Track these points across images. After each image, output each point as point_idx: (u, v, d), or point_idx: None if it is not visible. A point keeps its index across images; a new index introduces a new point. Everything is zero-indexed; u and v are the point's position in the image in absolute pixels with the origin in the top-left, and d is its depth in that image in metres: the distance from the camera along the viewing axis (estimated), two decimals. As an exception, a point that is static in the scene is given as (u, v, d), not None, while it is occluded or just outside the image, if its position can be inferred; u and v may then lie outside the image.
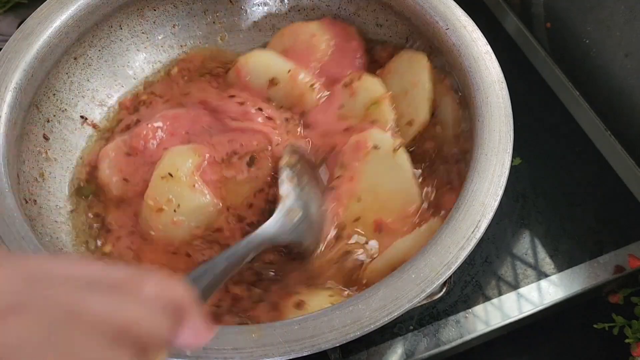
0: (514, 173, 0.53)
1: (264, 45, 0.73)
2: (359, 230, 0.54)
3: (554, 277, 0.66)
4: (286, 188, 0.50)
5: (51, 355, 0.24)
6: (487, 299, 0.65)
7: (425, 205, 0.55)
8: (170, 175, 0.55)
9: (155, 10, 0.71)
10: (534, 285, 0.66)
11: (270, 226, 0.48)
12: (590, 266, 0.67)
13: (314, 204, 0.52)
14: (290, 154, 0.55)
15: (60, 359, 0.24)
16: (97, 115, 0.68)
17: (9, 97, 0.55)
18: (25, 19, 0.60)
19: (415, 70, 0.61)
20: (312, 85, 0.64)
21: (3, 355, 0.24)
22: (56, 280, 0.27)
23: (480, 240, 0.47)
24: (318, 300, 0.49)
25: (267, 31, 0.74)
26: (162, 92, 0.69)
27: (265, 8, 0.74)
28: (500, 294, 0.65)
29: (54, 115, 0.64)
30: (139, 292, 0.28)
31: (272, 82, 0.64)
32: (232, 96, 0.64)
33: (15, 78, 0.56)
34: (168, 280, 0.30)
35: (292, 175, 0.51)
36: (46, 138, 0.62)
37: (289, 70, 0.64)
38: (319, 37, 0.68)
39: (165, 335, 0.28)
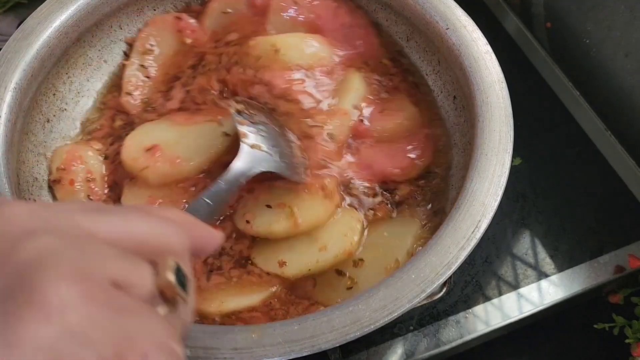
0: (514, 173, 0.53)
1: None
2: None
3: (554, 277, 0.66)
4: (241, 129, 0.53)
5: (71, 266, 0.24)
6: (487, 299, 0.65)
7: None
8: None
9: (155, 10, 0.71)
10: (534, 286, 0.66)
11: (239, 161, 0.50)
12: (590, 266, 0.67)
13: (275, 138, 0.55)
14: (234, 104, 0.57)
15: (81, 270, 0.24)
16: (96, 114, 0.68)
17: (8, 97, 0.55)
18: (25, 19, 0.60)
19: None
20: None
21: (24, 270, 0.24)
22: (66, 209, 0.28)
23: (480, 240, 0.47)
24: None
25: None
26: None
27: (265, 8, 0.74)
28: (500, 294, 0.65)
29: (54, 115, 0.64)
30: (147, 213, 0.29)
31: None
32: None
33: (15, 78, 0.56)
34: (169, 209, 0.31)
35: (242, 119, 0.54)
36: (46, 138, 0.62)
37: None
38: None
39: (179, 243, 0.29)
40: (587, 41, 0.79)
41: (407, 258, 0.53)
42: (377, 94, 0.64)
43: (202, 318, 0.51)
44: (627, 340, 0.62)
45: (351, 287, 0.53)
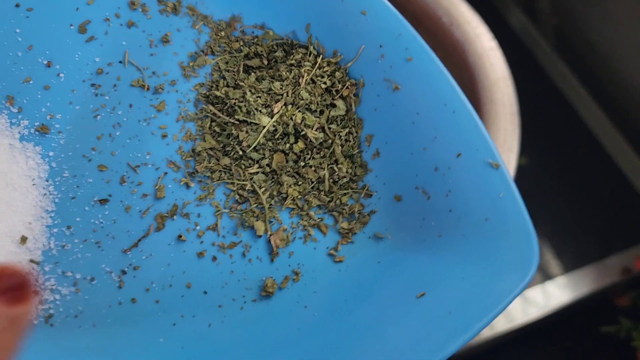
0: (520, 172, 0.52)
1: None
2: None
3: (559, 279, 0.65)
4: None
5: None
6: (491, 301, 0.63)
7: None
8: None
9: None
10: (539, 288, 0.64)
11: None
12: (596, 268, 0.65)
13: None
14: None
15: None
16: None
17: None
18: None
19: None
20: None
21: None
22: None
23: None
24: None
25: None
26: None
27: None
28: (504, 296, 0.64)
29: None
30: None
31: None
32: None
33: None
34: None
35: None
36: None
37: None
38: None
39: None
40: (593, 37, 0.77)
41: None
42: None
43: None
44: (633, 343, 0.61)
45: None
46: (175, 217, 0.37)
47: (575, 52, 0.79)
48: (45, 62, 0.40)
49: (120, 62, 0.41)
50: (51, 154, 0.38)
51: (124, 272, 0.35)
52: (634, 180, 0.71)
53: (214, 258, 0.36)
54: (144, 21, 0.42)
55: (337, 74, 0.40)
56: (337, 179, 0.39)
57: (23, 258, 0.34)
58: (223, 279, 0.36)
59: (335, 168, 0.39)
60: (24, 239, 0.35)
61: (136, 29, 0.41)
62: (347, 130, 0.39)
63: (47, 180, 0.36)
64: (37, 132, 0.38)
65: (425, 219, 0.36)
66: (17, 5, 0.41)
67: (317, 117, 0.39)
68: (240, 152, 0.38)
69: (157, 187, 0.38)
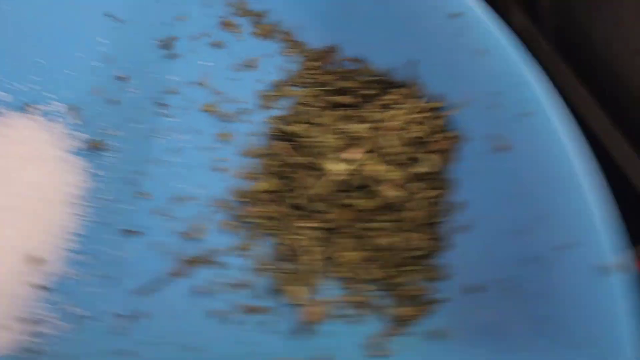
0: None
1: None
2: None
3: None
4: None
5: None
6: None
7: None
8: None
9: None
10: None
11: None
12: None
13: None
14: None
15: None
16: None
17: None
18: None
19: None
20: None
21: None
22: None
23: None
24: None
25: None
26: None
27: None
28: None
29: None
30: None
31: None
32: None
33: None
34: None
35: None
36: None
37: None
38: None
39: None
40: (595, 38, 0.72)
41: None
42: None
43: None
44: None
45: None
46: (206, 264, 0.32)
47: (576, 52, 0.72)
48: (120, 75, 0.38)
49: (201, 83, 0.38)
50: (101, 172, 0.35)
51: (132, 317, 0.30)
52: (636, 180, 0.63)
53: (234, 321, 0.30)
54: (233, 43, 0.39)
55: (435, 121, 0.33)
56: (408, 251, 0.31)
57: (33, 282, 0.31)
58: (229, 349, 0.30)
59: (411, 237, 0.31)
60: (40, 261, 0.31)
61: (224, 50, 0.39)
62: (434, 192, 0.32)
63: (86, 201, 0.33)
64: (91, 148, 0.36)
65: (509, 324, 0.27)
66: (106, 14, 0.40)
67: (400, 170, 0.32)
68: (303, 201, 0.32)
69: (197, 227, 0.33)
